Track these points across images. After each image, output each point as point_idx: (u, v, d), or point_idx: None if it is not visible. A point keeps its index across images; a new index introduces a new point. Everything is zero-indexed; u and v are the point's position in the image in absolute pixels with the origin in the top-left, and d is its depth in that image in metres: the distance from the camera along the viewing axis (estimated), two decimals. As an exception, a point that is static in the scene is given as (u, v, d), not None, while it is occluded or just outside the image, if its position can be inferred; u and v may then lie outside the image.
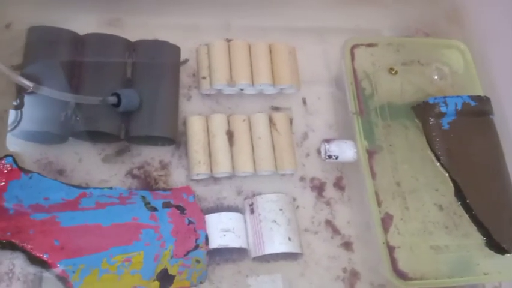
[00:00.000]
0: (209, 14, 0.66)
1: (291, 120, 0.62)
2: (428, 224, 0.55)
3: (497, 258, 0.55)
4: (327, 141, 0.60)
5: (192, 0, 0.66)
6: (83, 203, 0.51)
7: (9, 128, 0.54)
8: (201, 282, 0.53)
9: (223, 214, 0.55)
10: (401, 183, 0.57)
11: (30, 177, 0.51)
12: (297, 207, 0.59)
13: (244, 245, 0.54)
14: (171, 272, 0.51)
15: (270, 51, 0.63)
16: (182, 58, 0.61)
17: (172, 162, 0.58)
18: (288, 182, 0.60)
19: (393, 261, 0.53)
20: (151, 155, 0.58)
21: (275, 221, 0.55)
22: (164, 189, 0.56)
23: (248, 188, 0.58)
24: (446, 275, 0.54)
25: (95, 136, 0.56)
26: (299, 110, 0.64)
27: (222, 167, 0.57)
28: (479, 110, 0.60)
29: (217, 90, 0.61)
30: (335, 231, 0.59)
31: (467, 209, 0.56)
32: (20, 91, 0.53)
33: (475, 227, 0.56)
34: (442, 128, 0.59)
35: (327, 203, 0.60)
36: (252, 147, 0.59)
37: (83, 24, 0.60)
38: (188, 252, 0.52)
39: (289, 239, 0.55)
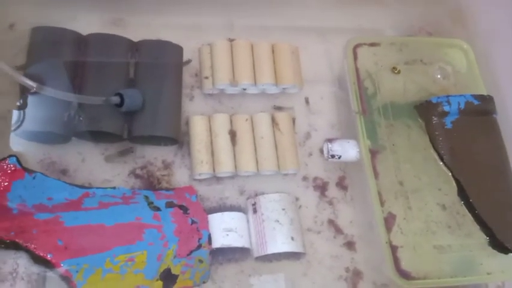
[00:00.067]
0: (212, 14, 0.66)
1: (293, 120, 0.62)
2: (431, 224, 0.55)
3: (500, 258, 0.55)
4: (330, 140, 0.60)
5: (195, 0, 0.66)
6: (86, 203, 0.51)
7: (12, 128, 0.54)
8: (203, 282, 0.53)
9: (226, 214, 0.55)
10: (404, 182, 0.57)
11: (34, 177, 0.51)
12: (300, 206, 0.59)
13: (246, 245, 0.54)
14: (174, 271, 0.51)
15: (273, 51, 0.63)
16: (185, 58, 0.61)
17: (174, 162, 0.58)
18: (290, 181, 0.60)
19: (396, 261, 0.53)
20: (154, 155, 0.58)
21: (278, 221, 0.55)
22: (167, 189, 0.56)
23: (251, 188, 0.59)
24: (449, 274, 0.54)
25: (98, 136, 0.56)
26: (302, 109, 0.64)
27: (225, 167, 0.57)
28: (482, 109, 0.59)
29: (219, 90, 0.61)
30: (338, 230, 0.59)
31: (470, 208, 0.56)
32: (24, 91, 0.53)
33: (478, 227, 0.56)
34: (445, 127, 0.59)
35: (330, 203, 0.60)
36: (255, 146, 0.59)
37: (86, 24, 0.60)
38: (191, 252, 0.52)
39: (292, 238, 0.55)
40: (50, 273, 0.48)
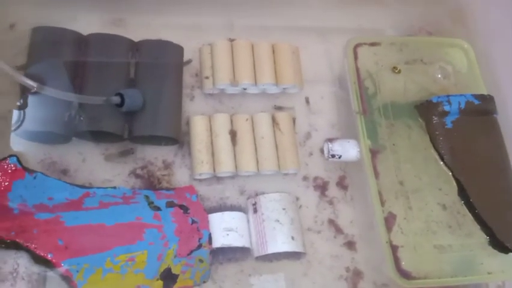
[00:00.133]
0: (212, 14, 0.66)
1: (294, 120, 0.62)
2: (431, 223, 0.55)
3: (500, 258, 0.55)
4: (330, 140, 0.60)
5: (195, 0, 0.66)
6: (86, 203, 0.51)
7: (13, 128, 0.54)
8: (204, 282, 0.53)
9: (226, 213, 0.55)
10: (404, 182, 0.57)
11: (34, 177, 0.51)
12: (300, 206, 0.59)
13: (247, 245, 0.54)
14: (174, 271, 0.51)
15: (273, 51, 0.63)
16: (185, 58, 0.61)
17: (175, 161, 0.58)
18: (291, 181, 0.60)
19: (397, 261, 0.53)
20: (154, 155, 0.58)
21: (278, 221, 0.55)
22: (168, 189, 0.56)
23: (251, 188, 0.59)
24: (449, 274, 0.54)
25: (98, 136, 0.56)
26: (302, 109, 0.64)
27: (225, 167, 0.57)
28: (482, 109, 0.59)
29: (220, 89, 0.61)
30: (338, 230, 0.59)
31: (471, 208, 0.56)
32: (24, 91, 0.54)
33: (478, 226, 0.56)
34: (446, 127, 0.59)
35: (330, 203, 0.60)
36: (255, 146, 0.59)
37: (87, 24, 0.60)
38: (191, 252, 0.52)
39: (292, 238, 0.55)
40: (50, 273, 0.48)
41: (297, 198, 0.59)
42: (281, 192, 0.57)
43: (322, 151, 0.62)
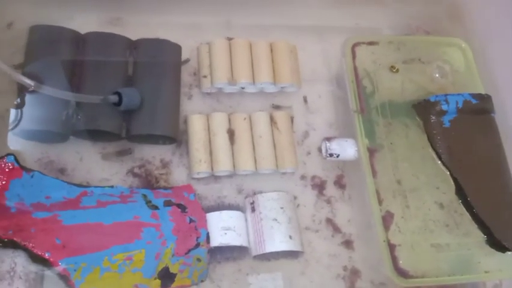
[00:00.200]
0: (210, 13, 0.66)
1: (292, 119, 0.62)
2: (428, 222, 0.55)
3: (498, 256, 0.55)
4: (328, 139, 0.60)
5: (193, -1, 0.66)
6: (84, 202, 0.51)
7: (10, 127, 0.54)
8: (202, 281, 0.53)
9: (224, 212, 0.55)
10: (401, 181, 0.57)
11: (32, 176, 0.51)
12: (298, 205, 0.59)
13: (245, 244, 0.54)
14: (172, 270, 0.51)
15: (271, 50, 0.63)
16: (183, 57, 0.61)
17: (173, 160, 0.58)
18: (288, 180, 0.60)
19: (394, 260, 0.53)
20: (152, 154, 0.58)
21: (276, 220, 0.55)
22: (165, 188, 0.56)
23: (249, 187, 0.59)
24: (447, 273, 0.54)
25: (96, 135, 0.56)
26: (300, 108, 0.64)
27: (223, 166, 0.57)
28: (480, 108, 0.60)
29: (218, 88, 0.61)
30: (336, 229, 0.59)
31: (468, 207, 0.56)
32: (22, 90, 0.53)
33: (475, 225, 0.56)
34: (443, 126, 0.59)
35: (328, 201, 0.60)
36: (253, 145, 0.59)
37: (84, 23, 0.60)
38: (189, 251, 0.52)
39: (290, 237, 0.55)
40: (48, 272, 0.48)
41: (295, 197, 0.59)
42: (279, 191, 0.57)
43: (320, 150, 0.62)
